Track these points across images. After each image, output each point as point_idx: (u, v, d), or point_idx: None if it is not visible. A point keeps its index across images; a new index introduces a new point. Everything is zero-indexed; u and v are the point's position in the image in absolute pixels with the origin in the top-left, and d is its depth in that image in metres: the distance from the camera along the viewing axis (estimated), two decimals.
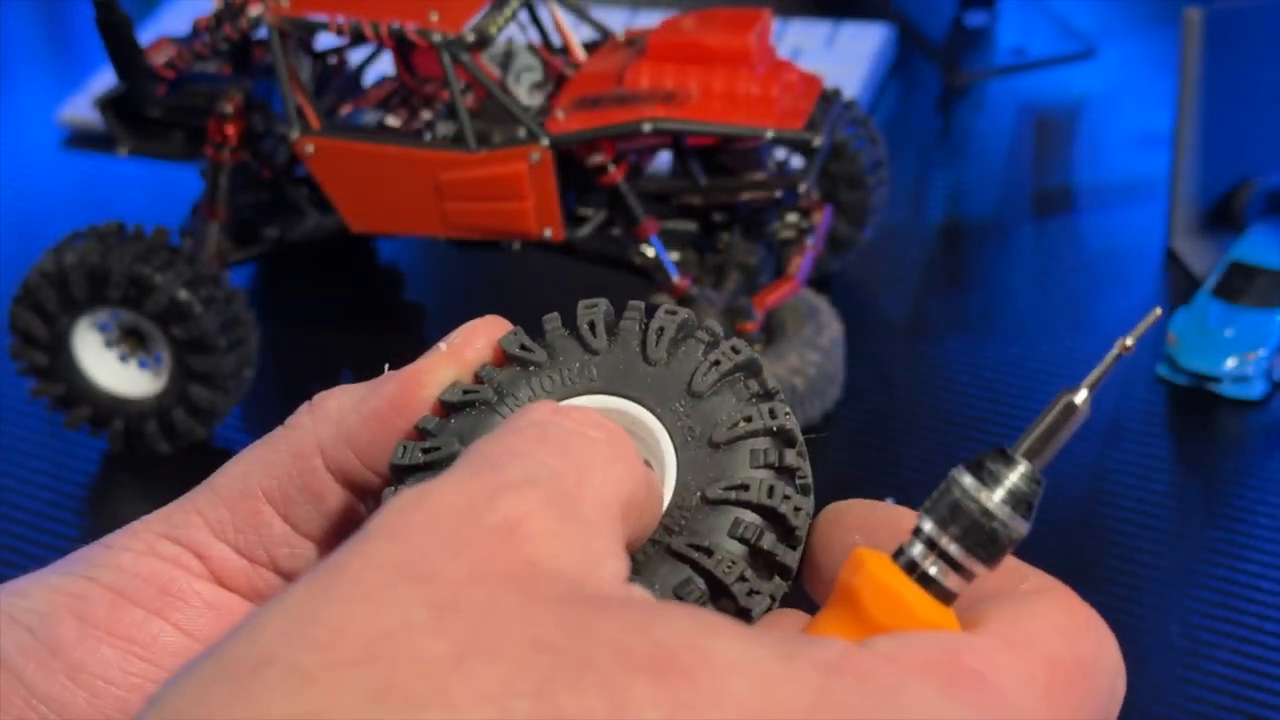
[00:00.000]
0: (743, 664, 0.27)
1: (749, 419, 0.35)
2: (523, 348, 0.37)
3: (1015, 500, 0.31)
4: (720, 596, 0.34)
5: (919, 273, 1.04)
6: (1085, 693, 0.30)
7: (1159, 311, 0.34)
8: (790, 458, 0.35)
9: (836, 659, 0.28)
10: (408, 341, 0.99)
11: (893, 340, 0.96)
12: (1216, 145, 0.99)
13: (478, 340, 0.37)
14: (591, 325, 0.37)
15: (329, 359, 0.97)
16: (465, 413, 0.36)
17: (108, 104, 0.91)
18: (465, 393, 0.36)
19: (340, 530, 0.39)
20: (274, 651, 0.26)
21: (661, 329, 0.36)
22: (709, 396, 0.36)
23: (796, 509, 0.35)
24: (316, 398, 0.38)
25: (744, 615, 0.34)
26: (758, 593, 0.34)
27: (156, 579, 0.38)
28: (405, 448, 0.36)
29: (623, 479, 0.32)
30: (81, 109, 1.12)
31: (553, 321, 0.37)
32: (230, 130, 0.87)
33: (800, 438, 0.36)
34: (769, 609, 0.35)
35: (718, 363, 0.36)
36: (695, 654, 0.27)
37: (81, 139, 1.14)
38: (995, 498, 0.31)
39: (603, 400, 0.36)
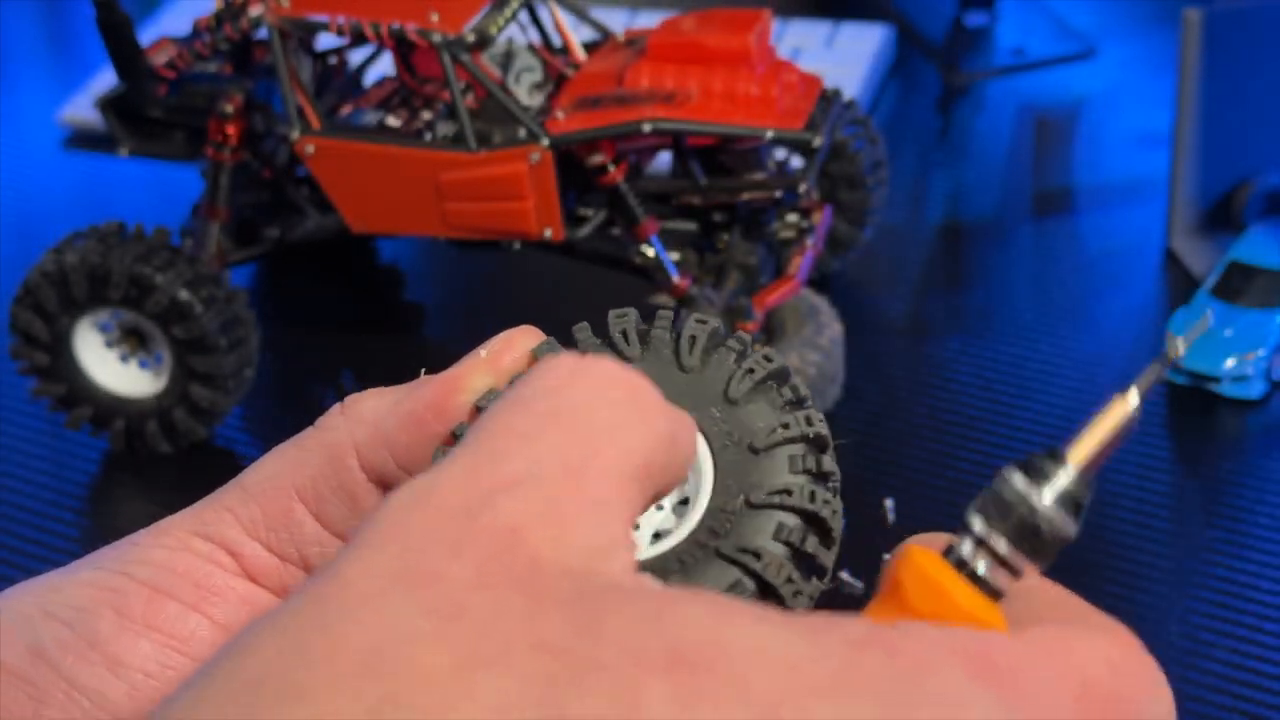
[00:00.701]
0: (763, 647, 0.26)
1: (786, 426, 0.36)
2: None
3: (1066, 500, 0.31)
4: (768, 596, 0.35)
5: (919, 273, 1.04)
6: None
7: (1210, 316, 0.34)
8: (826, 463, 0.36)
9: (865, 635, 0.28)
10: (408, 342, 0.99)
11: (893, 340, 0.96)
12: (1216, 145, 0.99)
13: (515, 348, 0.38)
14: (624, 334, 0.38)
15: (329, 359, 0.97)
16: None
17: (108, 104, 0.91)
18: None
19: None
20: (268, 668, 0.26)
21: (694, 337, 0.37)
22: (744, 403, 0.37)
23: (834, 512, 0.36)
24: (349, 399, 0.39)
25: None
26: (801, 594, 0.35)
27: (192, 575, 0.38)
28: (444, 452, 0.36)
29: (640, 443, 0.31)
30: (82, 109, 1.12)
31: (584, 331, 0.38)
32: (231, 130, 0.87)
33: (832, 443, 0.37)
34: (808, 609, 0.36)
35: (751, 370, 0.37)
36: (711, 644, 0.26)
37: (82, 139, 1.15)
38: (1046, 497, 0.31)
39: None
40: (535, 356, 0.37)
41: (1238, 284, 0.91)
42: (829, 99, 0.87)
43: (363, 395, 0.39)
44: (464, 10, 0.84)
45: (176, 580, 0.38)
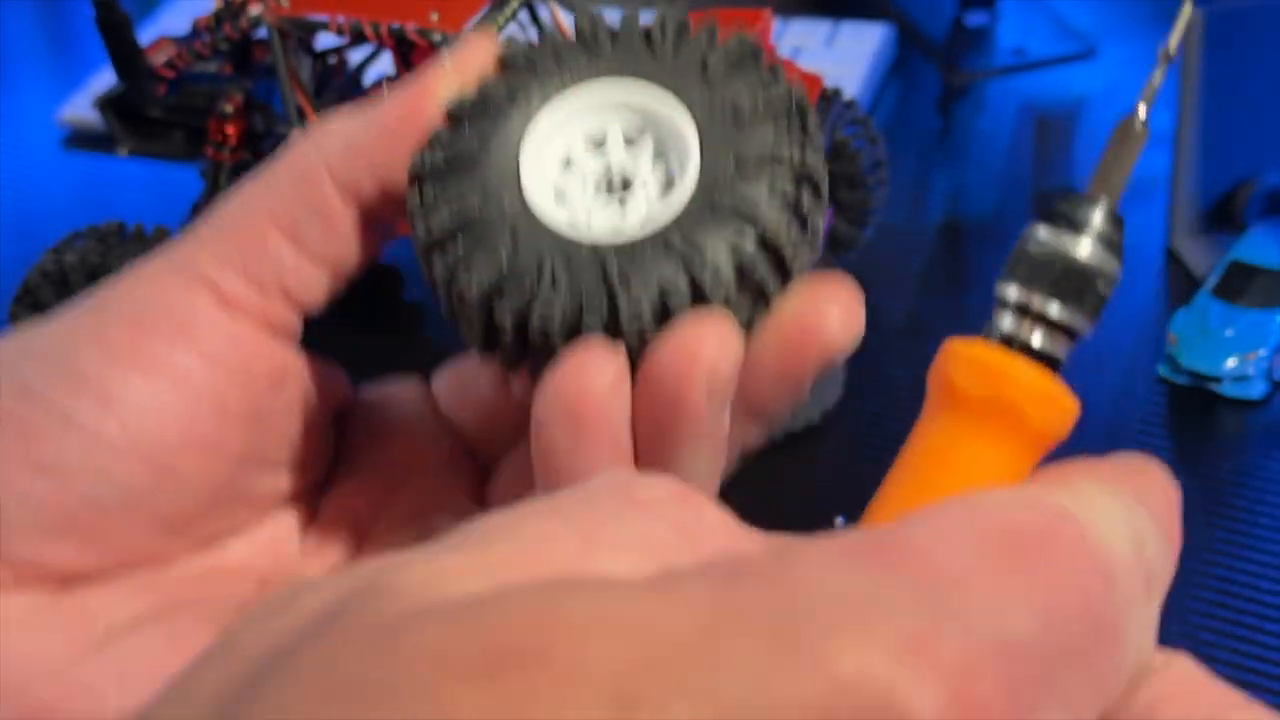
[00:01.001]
0: (606, 614, 0.21)
1: (769, 96, 0.36)
2: (526, 56, 0.37)
3: (1102, 240, 0.28)
4: (768, 252, 0.35)
5: (919, 273, 1.04)
6: (1060, 572, 0.25)
7: (1189, 7, 0.32)
8: (810, 125, 0.36)
9: (733, 567, 0.22)
10: (408, 342, 0.99)
11: (893, 340, 0.96)
12: (1216, 145, 0.99)
13: (481, 53, 0.37)
14: (593, 28, 0.38)
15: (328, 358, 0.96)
16: (480, 116, 0.36)
17: (108, 104, 0.91)
18: (474, 103, 0.36)
19: (353, 251, 0.38)
20: None
21: (663, 24, 0.37)
22: (723, 82, 0.37)
23: (823, 173, 0.36)
24: (314, 124, 0.38)
25: (786, 273, 0.36)
26: (798, 255, 0.36)
27: (172, 309, 0.37)
28: (424, 155, 0.36)
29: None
30: (81, 109, 1.12)
31: (552, 33, 0.38)
32: (230, 130, 0.87)
33: (811, 111, 0.37)
34: (801, 270, 0.36)
35: (726, 50, 0.37)
36: (539, 628, 0.21)
37: (81, 139, 1.14)
38: (1082, 240, 0.28)
39: (620, 81, 0.37)
40: (503, 60, 0.37)
41: (1238, 284, 0.91)
42: (829, 99, 0.87)
43: (329, 118, 0.38)
44: (464, 10, 0.84)
45: (157, 315, 0.36)
